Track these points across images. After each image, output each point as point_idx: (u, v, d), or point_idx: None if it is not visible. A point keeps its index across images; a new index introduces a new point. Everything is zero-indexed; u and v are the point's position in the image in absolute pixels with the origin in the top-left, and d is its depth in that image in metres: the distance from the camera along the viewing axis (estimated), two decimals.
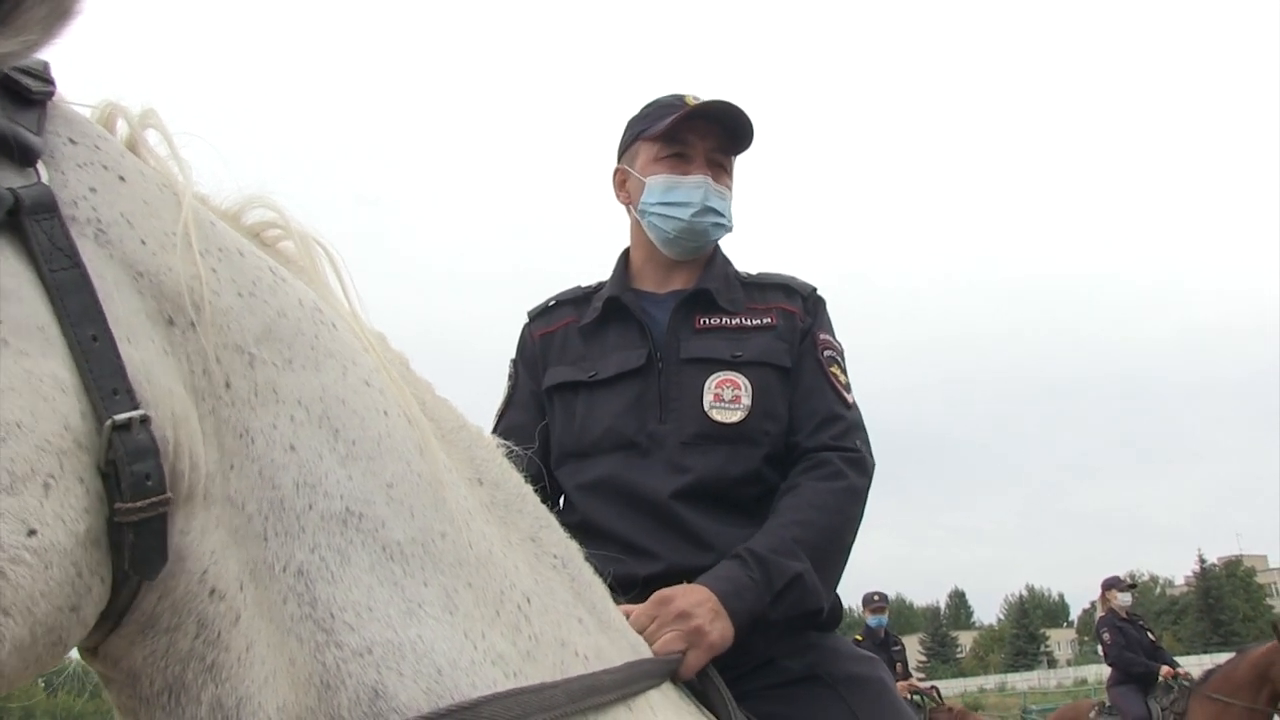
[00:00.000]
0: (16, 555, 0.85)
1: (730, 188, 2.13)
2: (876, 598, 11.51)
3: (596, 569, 1.53)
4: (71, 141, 1.01)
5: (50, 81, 1.00)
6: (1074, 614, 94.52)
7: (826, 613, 1.90)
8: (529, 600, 1.28)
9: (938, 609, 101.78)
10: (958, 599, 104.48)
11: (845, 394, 2.04)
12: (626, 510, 1.94)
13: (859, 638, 10.64)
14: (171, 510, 0.97)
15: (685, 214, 2.05)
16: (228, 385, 1.05)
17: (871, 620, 11.44)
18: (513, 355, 2.22)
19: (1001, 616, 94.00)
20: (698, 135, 2.08)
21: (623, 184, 2.19)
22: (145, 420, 0.94)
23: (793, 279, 2.17)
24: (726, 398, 1.97)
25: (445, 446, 1.31)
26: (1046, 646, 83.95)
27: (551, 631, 1.28)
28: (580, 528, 1.95)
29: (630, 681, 1.36)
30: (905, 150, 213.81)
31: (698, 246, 2.11)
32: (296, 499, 1.07)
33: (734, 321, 2.05)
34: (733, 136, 2.10)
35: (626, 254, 2.22)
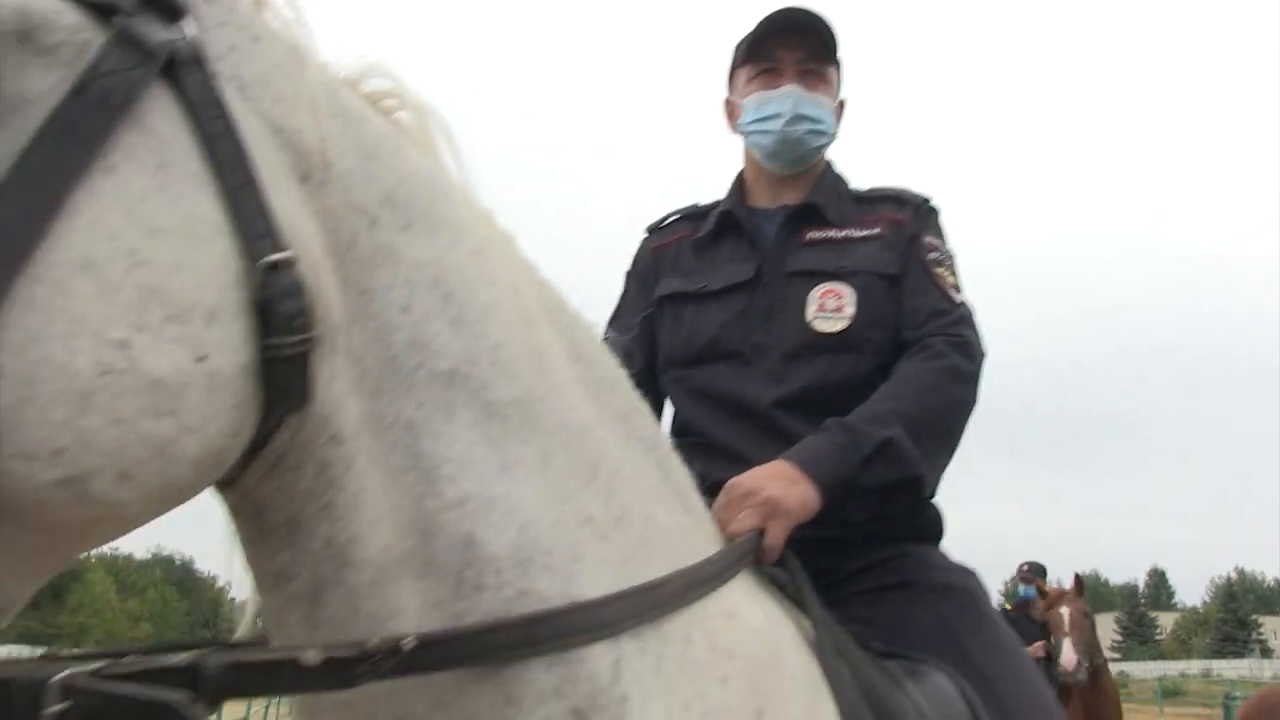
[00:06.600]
0: (191, 379, 0.91)
1: (832, 96, 2.11)
2: (1026, 567, 11.06)
3: (684, 462, 1.49)
4: (208, 1, 1.04)
5: None
6: None
7: (930, 491, 1.82)
8: (618, 472, 1.27)
9: (1135, 587, 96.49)
10: (1158, 578, 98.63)
11: (952, 292, 1.96)
12: (728, 418, 1.94)
13: (1009, 607, 10.51)
14: (315, 348, 1.02)
15: (777, 125, 2.06)
16: (351, 244, 1.10)
17: (1022, 591, 11.00)
18: (627, 268, 2.26)
19: (1207, 599, 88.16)
20: (786, 49, 2.07)
21: (731, 113, 2.20)
22: (292, 262, 0.99)
23: (905, 190, 2.12)
24: (830, 307, 1.96)
25: (546, 321, 1.32)
26: (1260, 634, 78.19)
27: (639, 505, 1.28)
28: (682, 433, 1.99)
29: (725, 570, 1.34)
30: (1092, 134, 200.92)
31: (799, 156, 2.10)
32: (408, 358, 1.12)
33: (841, 234, 2.04)
34: (822, 43, 2.07)
35: (741, 175, 2.23)
